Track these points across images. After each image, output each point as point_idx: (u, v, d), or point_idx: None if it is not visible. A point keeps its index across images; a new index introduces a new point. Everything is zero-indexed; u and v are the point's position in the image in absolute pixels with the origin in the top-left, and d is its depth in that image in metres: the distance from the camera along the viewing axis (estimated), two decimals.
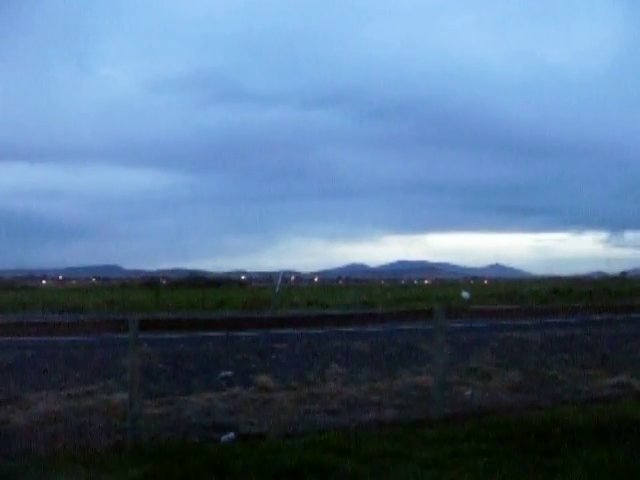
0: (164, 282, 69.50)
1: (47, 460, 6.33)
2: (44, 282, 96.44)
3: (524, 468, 5.89)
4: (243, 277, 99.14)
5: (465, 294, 33.95)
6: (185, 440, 7.14)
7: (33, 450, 6.82)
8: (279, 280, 29.45)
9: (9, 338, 11.39)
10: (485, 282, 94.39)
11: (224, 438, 7.28)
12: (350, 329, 14.56)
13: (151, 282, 64.36)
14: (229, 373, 10.80)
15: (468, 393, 9.62)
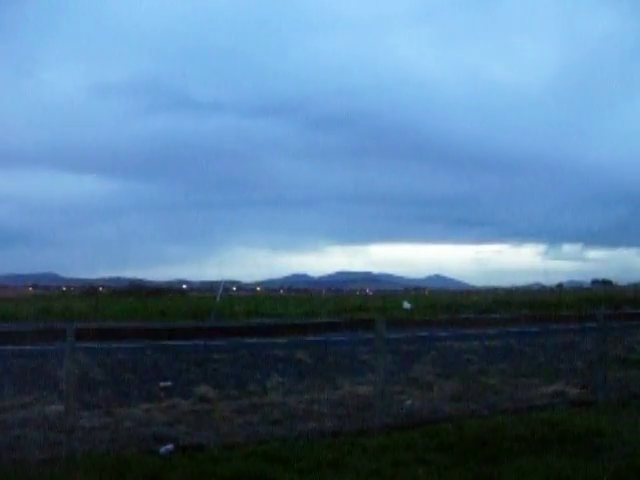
0: (103, 291, 68.27)
1: None
2: None
3: (463, 476, 5.94)
4: (184, 286, 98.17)
5: (406, 305, 34.29)
6: (123, 452, 7.00)
7: None
8: (220, 289, 29.26)
9: None
10: (426, 293, 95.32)
11: (163, 450, 7.16)
12: (291, 339, 14.50)
13: (90, 291, 63.20)
14: (168, 383, 10.65)
15: (408, 402, 9.67)
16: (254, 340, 13.88)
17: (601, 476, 5.92)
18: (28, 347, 11.78)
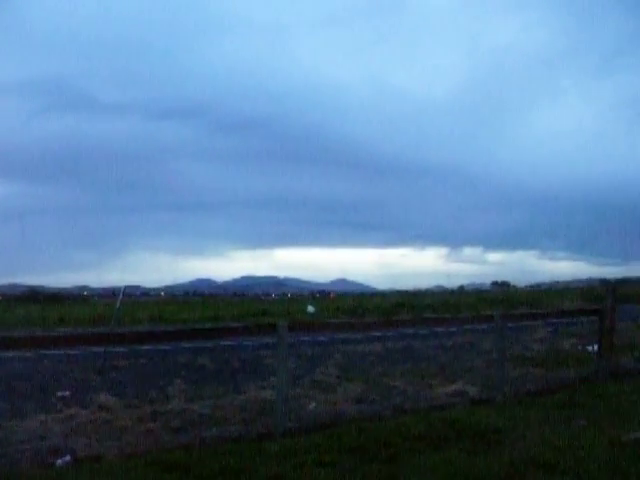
0: None
1: None
2: None
3: (365, 477, 5.99)
4: (85, 292, 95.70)
5: (310, 308, 34.40)
6: (16, 466, 6.74)
7: None
8: (120, 294, 28.55)
9: None
10: (331, 296, 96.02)
11: (59, 462, 6.93)
12: (194, 344, 14.34)
13: None
14: (66, 393, 10.33)
15: (312, 406, 9.69)
16: (156, 346, 13.68)
17: (496, 468, 6.10)
18: None
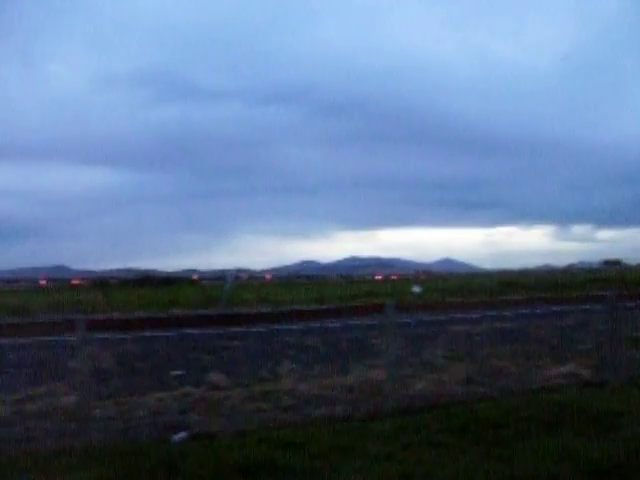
0: (114, 282, 68.43)
1: None
2: None
3: (475, 458, 5.97)
4: (195, 275, 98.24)
5: (416, 289, 34.25)
6: (136, 441, 7.06)
7: None
8: (230, 278, 29.32)
9: None
10: (436, 276, 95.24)
11: (176, 438, 7.21)
12: (302, 326, 14.54)
13: (100, 282, 63.41)
14: (180, 372, 10.71)
15: (419, 386, 9.70)
16: (265, 327, 13.96)
17: (614, 454, 5.93)
18: (41, 339, 11.89)
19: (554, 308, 16.83)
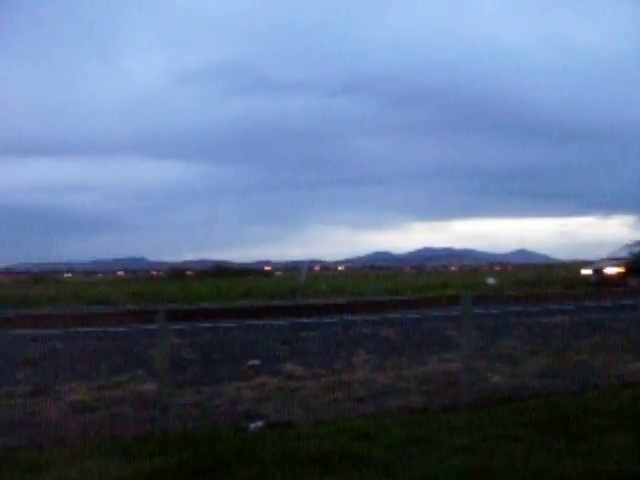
0: (189, 273, 69.68)
1: (78, 449, 6.41)
2: (68, 275, 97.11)
3: (554, 453, 5.86)
4: (268, 267, 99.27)
5: (490, 280, 33.83)
6: (214, 429, 7.19)
7: (65, 439, 6.91)
8: (304, 269, 29.49)
9: (39, 330, 11.54)
10: (510, 268, 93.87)
11: (253, 426, 7.31)
12: (377, 317, 14.52)
13: (177, 273, 64.65)
14: (257, 362, 10.85)
15: (495, 379, 9.58)
16: (340, 318, 14.00)
17: None
18: (122, 329, 12.22)
19: (636, 300, 16.36)
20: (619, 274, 28.29)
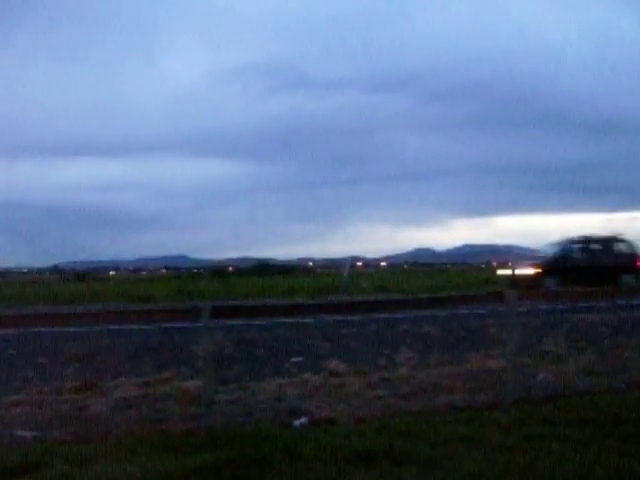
0: (231, 270, 70.16)
1: (125, 444, 6.51)
2: (112, 273, 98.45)
3: (601, 453, 5.78)
4: (310, 264, 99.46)
5: None
6: (258, 425, 7.24)
7: (112, 434, 7.03)
8: (347, 266, 29.49)
9: (85, 328, 11.75)
10: None
11: (297, 423, 7.34)
12: (419, 313, 14.48)
13: (219, 271, 65.13)
14: (300, 359, 10.89)
15: (540, 377, 9.48)
16: (382, 315, 13.98)
17: None
18: (166, 325, 12.36)
19: None
20: (535, 275, 26.60)
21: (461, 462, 5.62)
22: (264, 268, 66.90)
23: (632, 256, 27.18)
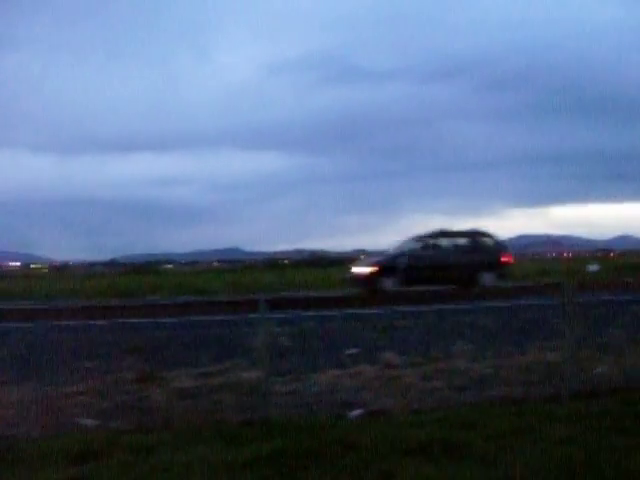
0: (285, 263, 70.48)
1: (184, 433, 6.62)
2: (169, 266, 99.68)
3: None
4: (363, 255, 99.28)
5: (592, 267, 32.86)
6: (313, 416, 7.28)
7: (171, 424, 7.16)
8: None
9: (145, 320, 11.95)
10: (611, 254, 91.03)
11: (352, 414, 7.36)
12: (475, 304, 14.35)
13: (273, 263, 65.49)
14: (355, 350, 10.88)
15: (599, 369, 9.32)
16: (437, 306, 13.90)
17: None
18: (223, 317, 12.49)
19: None
20: (370, 274, 23.31)
21: (519, 455, 5.56)
22: (318, 260, 67.00)
23: (495, 252, 24.20)
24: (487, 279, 22.61)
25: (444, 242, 24.60)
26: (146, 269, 66.23)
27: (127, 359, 10.63)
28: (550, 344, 10.57)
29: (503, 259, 23.88)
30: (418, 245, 24.38)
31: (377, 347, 11.07)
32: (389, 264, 23.51)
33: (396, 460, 5.52)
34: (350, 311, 13.97)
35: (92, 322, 12.17)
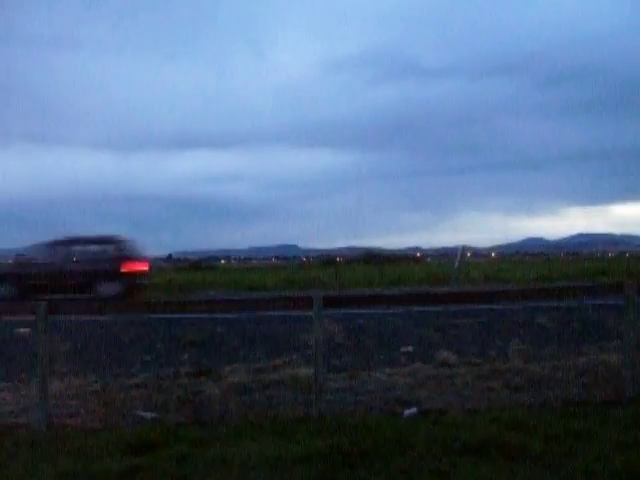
0: (341, 259, 70.47)
1: (239, 428, 6.70)
2: (224, 262, 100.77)
3: None
4: (418, 253, 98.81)
5: None
6: (368, 414, 7.29)
7: (226, 418, 7.26)
8: (458, 255, 29.04)
9: (202, 315, 12.09)
10: None
11: (407, 412, 7.35)
12: (532, 304, 14.12)
13: (329, 260, 65.55)
14: (410, 348, 10.86)
15: None
16: (494, 305, 13.73)
17: None
18: (278, 313, 12.56)
19: None
20: None
21: (576, 459, 5.47)
22: (373, 257, 66.85)
23: (116, 260, 21.87)
24: (106, 289, 21.01)
25: (72, 249, 22.50)
26: (202, 265, 66.91)
27: (183, 354, 10.80)
28: (609, 345, 10.38)
29: (124, 269, 21.79)
30: (44, 252, 22.21)
31: (432, 345, 11.02)
32: (7, 271, 21.97)
33: (451, 460, 5.49)
34: (405, 309, 13.88)
35: (149, 316, 12.37)
